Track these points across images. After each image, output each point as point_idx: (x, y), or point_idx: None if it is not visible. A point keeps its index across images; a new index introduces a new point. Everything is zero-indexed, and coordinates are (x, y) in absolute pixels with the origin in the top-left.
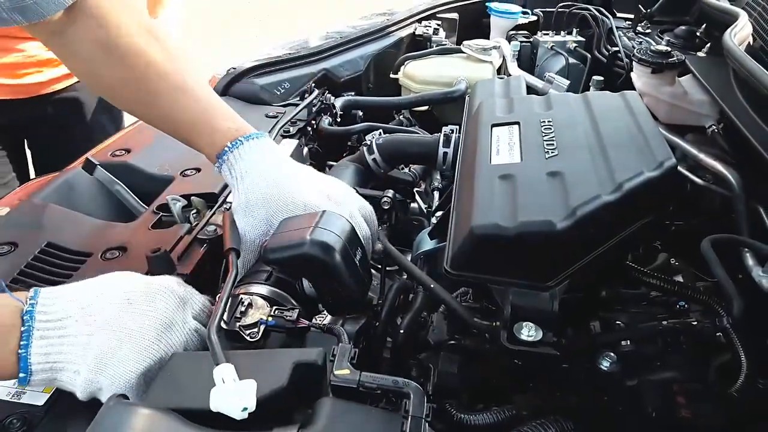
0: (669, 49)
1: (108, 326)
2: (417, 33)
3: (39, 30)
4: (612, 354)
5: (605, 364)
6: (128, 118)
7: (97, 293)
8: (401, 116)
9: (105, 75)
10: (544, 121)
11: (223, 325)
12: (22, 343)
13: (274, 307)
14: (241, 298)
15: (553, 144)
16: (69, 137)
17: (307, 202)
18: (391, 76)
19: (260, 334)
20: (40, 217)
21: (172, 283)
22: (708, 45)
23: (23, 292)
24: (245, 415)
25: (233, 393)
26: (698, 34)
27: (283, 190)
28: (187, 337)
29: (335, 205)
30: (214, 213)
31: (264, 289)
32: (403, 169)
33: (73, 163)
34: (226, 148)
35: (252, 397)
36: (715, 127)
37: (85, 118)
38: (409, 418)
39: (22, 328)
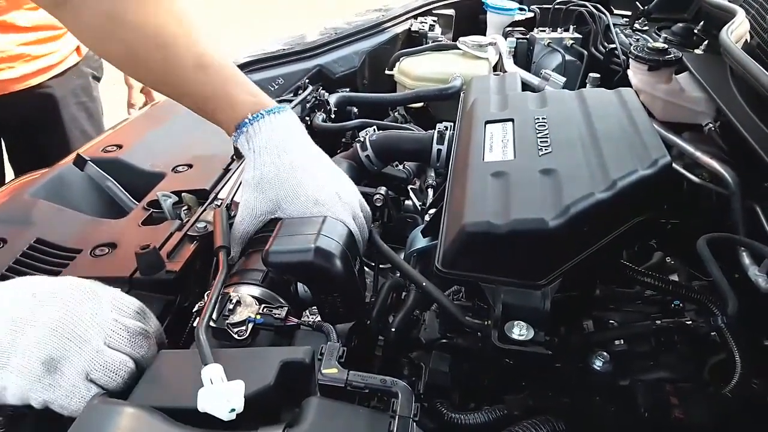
0: (666, 46)
1: (8, 320)
2: (413, 29)
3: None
4: (605, 353)
5: (598, 364)
6: (109, 116)
7: (2, 293)
8: (396, 113)
9: (114, 49)
10: (538, 118)
11: (212, 323)
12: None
13: (263, 305)
14: (230, 296)
15: (547, 141)
16: (44, 135)
17: (319, 199)
18: (386, 72)
19: (248, 332)
20: (29, 213)
21: (85, 281)
22: (705, 42)
23: None
24: (233, 416)
25: (221, 394)
26: (696, 31)
27: (298, 179)
28: (104, 328)
29: (343, 205)
30: (204, 210)
31: (254, 289)
32: (397, 166)
33: (49, 162)
34: (247, 120)
35: (240, 399)
36: (711, 125)
37: (61, 115)
38: (397, 418)
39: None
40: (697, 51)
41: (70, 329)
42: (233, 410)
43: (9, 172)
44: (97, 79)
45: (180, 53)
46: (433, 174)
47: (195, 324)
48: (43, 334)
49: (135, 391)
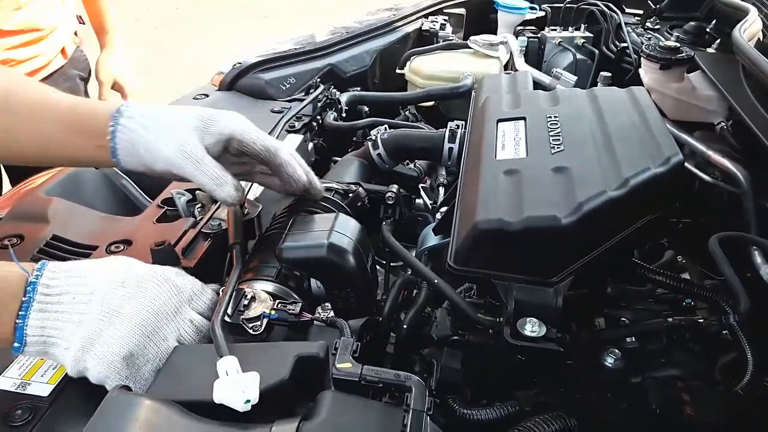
0: (678, 44)
1: (99, 307)
2: (423, 28)
3: None
4: (616, 350)
5: (609, 361)
6: None
7: (97, 274)
8: (407, 112)
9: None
10: (550, 117)
11: (227, 318)
12: (20, 313)
13: (277, 301)
14: (245, 292)
15: (559, 139)
16: None
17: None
18: (397, 71)
19: (263, 327)
20: (45, 211)
21: (171, 273)
22: (718, 41)
23: (31, 264)
24: (248, 407)
25: (236, 385)
26: (708, 30)
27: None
28: (180, 327)
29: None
30: (218, 207)
31: (268, 285)
32: (408, 164)
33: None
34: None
35: (255, 390)
36: (723, 124)
37: None
38: (411, 412)
39: (23, 299)
40: (709, 50)
41: (152, 328)
42: (248, 401)
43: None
44: (85, 80)
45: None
46: (444, 172)
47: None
48: (128, 330)
49: (153, 385)
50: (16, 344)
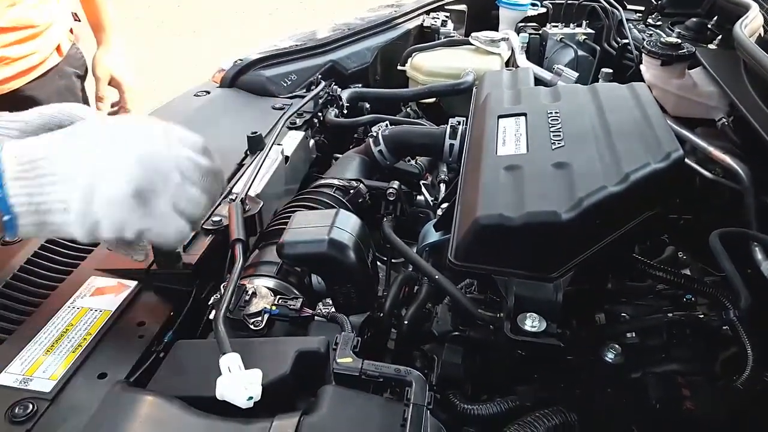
0: (679, 41)
1: (87, 155)
2: (425, 24)
3: None
4: (617, 346)
5: (610, 356)
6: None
7: (66, 135)
8: (408, 108)
9: None
10: (551, 112)
11: (228, 314)
12: None
13: (278, 297)
14: (246, 288)
15: (559, 135)
16: None
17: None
18: (399, 67)
19: (264, 322)
20: None
21: (149, 118)
22: (719, 37)
23: None
24: (251, 404)
25: (239, 382)
26: (709, 26)
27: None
28: (177, 164)
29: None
30: (219, 204)
31: (269, 281)
32: (409, 161)
33: None
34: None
35: (258, 387)
36: (725, 120)
37: None
38: (411, 406)
39: None
40: (711, 46)
41: (150, 161)
42: (251, 398)
43: None
44: (81, 78)
45: None
46: (445, 169)
47: (211, 316)
48: (126, 166)
49: (154, 380)
50: (6, 217)
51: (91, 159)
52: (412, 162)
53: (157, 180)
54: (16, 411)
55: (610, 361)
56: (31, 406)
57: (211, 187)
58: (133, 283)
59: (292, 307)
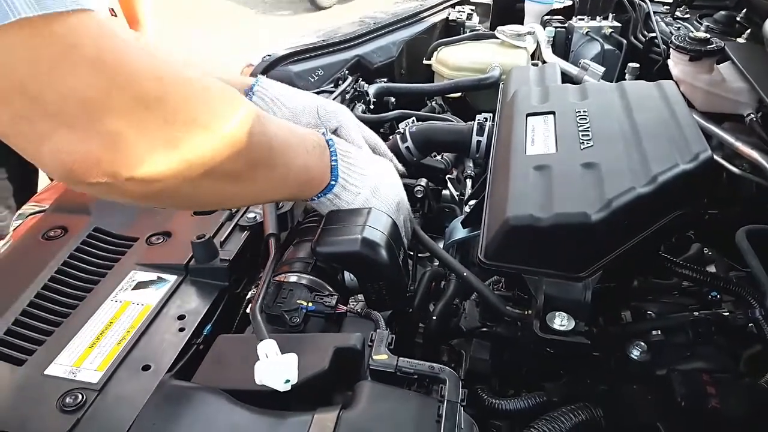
0: (708, 36)
1: (374, 166)
2: (450, 18)
3: None
4: (642, 343)
5: (635, 353)
6: None
7: (358, 148)
8: (433, 102)
9: None
10: (579, 111)
11: (267, 310)
12: (333, 158)
13: (314, 293)
14: (284, 285)
15: (588, 134)
16: None
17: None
18: (424, 62)
19: (301, 318)
20: (87, 204)
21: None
22: (748, 31)
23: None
24: (288, 387)
25: (276, 366)
26: (738, 19)
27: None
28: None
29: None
30: None
31: (304, 278)
32: (435, 156)
33: None
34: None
35: (294, 370)
36: (753, 116)
37: None
38: (445, 402)
39: (330, 149)
40: (740, 39)
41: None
42: (288, 381)
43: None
44: None
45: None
46: (471, 164)
47: (248, 310)
48: (395, 187)
49: (198, 373)
50: (332, 182)
51: (377, 169)
52: (438, 157)
53: (403, 203)
54: (67, 401)
55: (636, 358)
56: (80, 396)
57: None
58: (173, 277)
59: (327, 303)
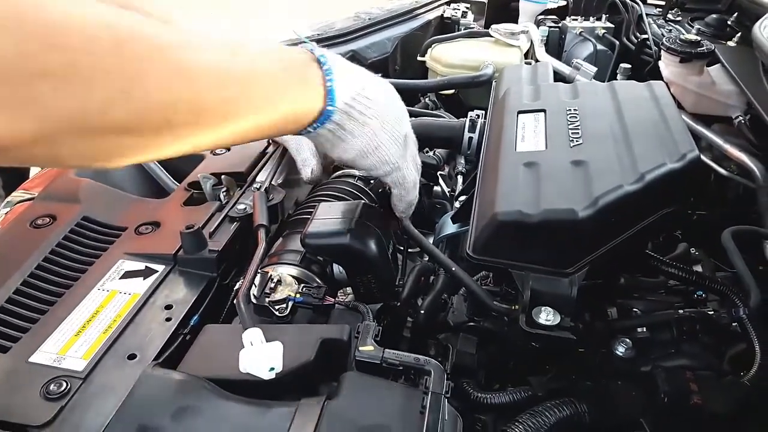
0: (698, 38)
1: (380, 89)
2: (445, 15)
3: None
4: (627, 340)
5: (620, 350)
6: None
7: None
8: (427, 99)
9: None
10: (570, 110)
11: (254, 300)
12: (328, 78)
13: (302, 285)
14: (271, 275)
15: (578, 133)
16: None
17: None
18: (418, 58)
19: (288, 309)
20: (76, 192)
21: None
22: (739, 34)
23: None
24: (272, 375)
25: (261, 354)
26: (729, 22)
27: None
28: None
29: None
30: (243, 192)
31: (293, 269)
32: (427, 152)
33: None
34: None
35: (279, 358)
36: (741, 118)
37: None
38: (429, 394)
39: (324, 67)
40: (730, 43)
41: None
42: (272, 369)
43: None
44: None
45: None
46: (462, 161)
47: (236, 301)
48: (404, 115)
49: (184, 362)
50: (328, 107)
51: (384, 93)
52: (430, 153)
53: (410, 134)
54: (51, 388)
55: (621, 354)
56: (64, 383)
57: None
58: (161, 267)
59: (315, 295)
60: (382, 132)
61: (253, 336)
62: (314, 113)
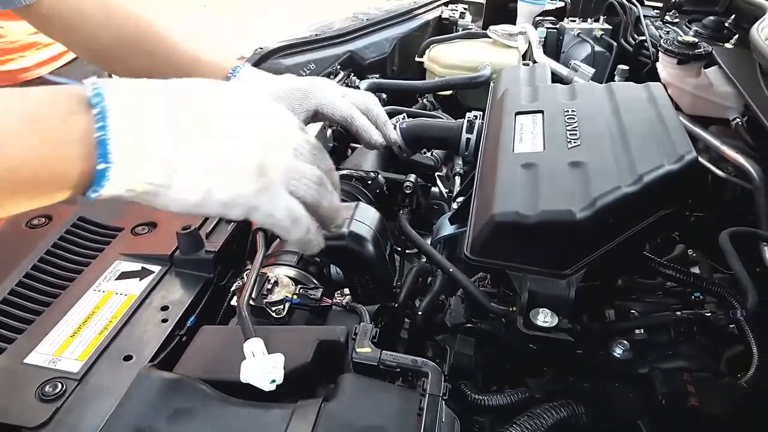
0: (696, 40)
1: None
2: (443, 16)
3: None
4: (625, 342)
5: (618, 351)
6: None
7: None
8: (425, 100)
9: (104, 39)
10: (568, 111)
11: (251, 302)
12: (99, 124)
13: (299, 286)
14: (268, 277)
15: (576, 134)
16: None
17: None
18: (416, 59)
19: (285, 311)
20: None
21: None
22: (736, 36)
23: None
24: (273, 387)
25: (263, 366)
26: (726, 24)
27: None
28: (292, 143)
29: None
30: None
31: (290, 270)
32: (425, 153)
33: None
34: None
35: (280, 371)
36: (739, 120)
37: None
38: (427, 396)
39: (95, 109)
40: (728, 45)
41: (276, 141)
42: (274, 381)
43: None
44: None
45: (157, 36)
46: (460, 162)
47: (233, 302)
48: (251, 144)
49: (180, 363)
50: (101, 165)
51: (223, 122)
52: (428, 154)
53: (274, 157)
54: (47, 389)
55: (618, 356)
56: (60, 385)
57: (322, 163)
58: (157, 268)
59: (312, 296)
60: (210, 172)
61: (255, 347)
62: (78, 177)
